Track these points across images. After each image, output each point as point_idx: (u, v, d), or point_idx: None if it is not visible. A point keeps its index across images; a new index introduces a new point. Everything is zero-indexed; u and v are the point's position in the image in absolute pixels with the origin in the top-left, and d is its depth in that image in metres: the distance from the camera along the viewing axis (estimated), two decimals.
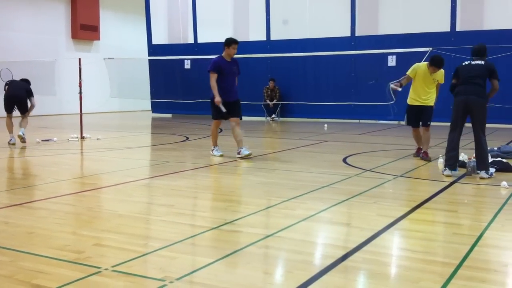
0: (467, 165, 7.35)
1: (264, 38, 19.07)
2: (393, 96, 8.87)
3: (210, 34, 20.50)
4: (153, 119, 20.33)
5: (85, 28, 22.97)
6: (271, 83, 18.64)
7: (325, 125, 15.91)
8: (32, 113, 11.47)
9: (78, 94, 12.12)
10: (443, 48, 10.25)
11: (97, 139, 11.93)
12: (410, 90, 8.77)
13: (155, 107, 22.10)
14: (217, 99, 8.83)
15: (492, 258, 3.91)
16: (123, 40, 24.37)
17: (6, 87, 11.33)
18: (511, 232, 4.66)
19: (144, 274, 3.51)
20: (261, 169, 8.02)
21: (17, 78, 11.68)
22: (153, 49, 21.75)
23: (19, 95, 11.18)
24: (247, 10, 20.38)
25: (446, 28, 16.49)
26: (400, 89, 8.67)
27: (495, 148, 9.01)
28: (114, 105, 22.19)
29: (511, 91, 15.40)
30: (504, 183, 6.51)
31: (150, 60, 21.59)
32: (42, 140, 11.40)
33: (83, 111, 12.48)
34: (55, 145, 10.96)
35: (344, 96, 17.69)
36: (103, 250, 3.99)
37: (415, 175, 7.51)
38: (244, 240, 4.27)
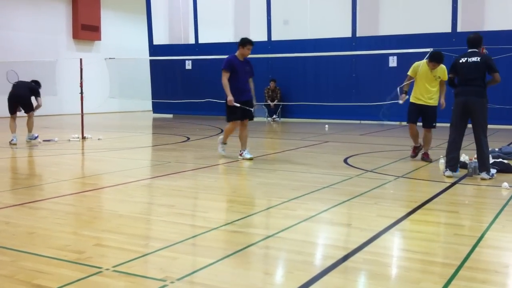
0: (468, 166, 7.34)
1: (265, 39, 19.07)
2: (400, 100, 8.74)
3: (211, 34, 20.53)
4: (154, 120, 20.34)
5: (86, 28, 22.98)
6: (272, 84, 18.65)
7: (326, 125, 15.91)
8: (34, 113, 11.47)
9: (79, 94, 12.12)
10: (444, 48, 10.22)
11: (98, 139, 11.94)
12: (413, 89, 8.66)
13: (156, 108, 22.10)
14: (230, 98, 8.61)
15: (493, 259, 3.91)
16: (124, 40, 24.37)
17: (13, 88, 11.41)
18: None
19: (145, 274, 3.51)
20: (262, 169, 8.02)
21: (17, 79, 11.71)
22: (154, 49, 21.76)
23: (21, 95, 11.23)
24: (248, 10, 20.39)
25: (447, 28, 16.49)
26: (402, 102, 8.62)
27: (496, 149, 9.01)
28: (115, 105, 22.19)
29: (511, 91, 15.44)
30: (505, 184, 6.50)
31: (151, 61, 21.61)
32: (43, 140, 11.41)
33: (84, 111, 12.49)
34: (56, 145, 10.97)
35: (345, 97, 17.69)
36: (104, 250, 3.99)
37: (416, 176, 7.51)
38: (245, 240, 4.27)
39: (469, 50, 7.28)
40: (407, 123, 8.83)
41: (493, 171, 7.20)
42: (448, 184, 6.77)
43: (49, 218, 5.00)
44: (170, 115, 21.35)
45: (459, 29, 16.11)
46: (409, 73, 8.64)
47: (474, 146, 7.31)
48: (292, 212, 5.30)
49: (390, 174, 7.50)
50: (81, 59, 12.42)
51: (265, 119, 18.77)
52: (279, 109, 18.94)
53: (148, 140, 13.58)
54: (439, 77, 8.46)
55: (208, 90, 19.94)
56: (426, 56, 8.57)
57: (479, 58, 7.12)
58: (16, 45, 20.14)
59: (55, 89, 13.10)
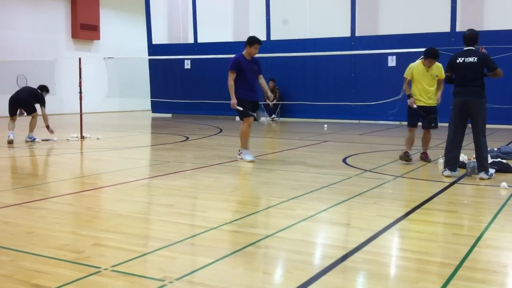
0: (467, 165, 7.35)
1: (264, 38, 19.02)
2: (414, 105, 8.47)
3: (210, 34, 20.53)
4: (153, 119, 20.34)
5: (85, 27, 22.97)
6: (271, 83, 18.63)
7: (325, 125, 15.92)
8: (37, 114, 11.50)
9: (78, 94, 12.13)
10: (443, 48, 10.20)
11: (97, 138, 11.93)
12: (411, 91, 8.41)
13: (155, 107, 22.10)
14: (233, 101, 8.47)
15: (492, 258, 3.91)
16: (123, 40, 24.36)
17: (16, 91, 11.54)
18: (511, 232, 4.66)
19: (144, 274, 3.50)
20: (261, 169, 8.02)
21: (16, 78, 11.82)
22: (153, 48, 21.76)
23: (21, 98, 11.34)
24: (247, 10, 20.39)
25: (446, 28, 16.50)
26: (415, 105, 8.30)
27: (495, 149, 9.01)
28: (114, 104, 22.18)
29: (510, 91, 15.46)
30: (504, 184, 6.50)
31: (150, 60, 21.60)
32: (42, 140, 11.40)
33: (83, 111, 12.49)
34: (55, 145, 10.97)
35: (344, 97, 17.70)
36: (103, 250, 3.99)
37: (415, 176, 7.51)
38: (244, 240, 4.27)
39: (465, 49, 7.21)
40: (408, 126, 8.60)
41: (492, 171, 7.20)
42: (447, 184, 6.77)
43: (48, 217, 5.00)
44: (169, 115, 21.35)
45: (458, 29, 16.11)
46: (405, 75, 8.45)
47: (472, 145, 7.31)
48: (291, 211, 5.30)
49: (389, 173, 7.50)
50: (80, 59, 12.42)
51: (264, 119, 18.77)
52: (278, 109, 18.93)
53: (147, 139, 13.58)
54: (437, 76, 8.28)
55: (207, 89, 19.96)
56: (421, 56, 8.43)
57: (476, 58, 7.06)
58: (15, 44, 20.14)
59: (54, 88, 13.07)
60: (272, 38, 19.20)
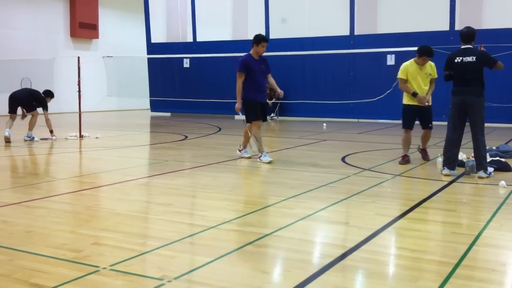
0: (465, 164, 7.35)
1: None
2: (426, 102, 8.18)
3: (209, 32, 20.52)
4: (152, 118, 20.33)
5: (83, 26, 22.96)
6: None
7: (324, 124, 15.92)
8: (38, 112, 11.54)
9: (77, 93, 12.12)
10: (442, 47, 10.21)
11: (96, 137, 11.93)
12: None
13: (154, 106, 22.09)
14: (238, 105, 8.33)
15: (490, 257, 3.92)
16: (122, 39, 24.35)
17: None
18: (509, 231, 4.66)
19: (143, 273, 3.50)
20: (260, 168, 8.02)
21: (16, 77, 11.87)
22: (152, 47, 21.75)
23: (20, 97, 11.38)
24: (246, 8, 20.38)
25: (445, 27, 16.50)
26: (428, 102, 8.16)
27: (494, 148, 9.00)
28: (113, 103, 22.17)
29: (509, 90, 15.48)
30: (502, 182, 6.50)
31: (149, 59, 21.60)
32: (41, 139, 11.40)
33: (82, 110, 12.48)
34: (54, 144, 10.96)
35: (343, 95, 17.70)
36: (102, 249, 3.99)
37: (414, 175, 7.51)
38: (243, 239, 4.27)
39: (463, 47, 7.18)
40: (404, 128, 8.41)
41: (490, 169, 7.20)
42: (445, 183, 6.77)
43: (46, 216, 5.00)
44: (168, 114, 21.35)
45: (457, 27, 16.10)
46: (401, 76, 8.17)
47: (471, 144, 7.31)
48: (290, 210, 5.30)
49: (387, 172, 7.50)
50: (78, 57, 12.41)
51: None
52: (277, 108, 18.93)
53: (146, 138, 13.57)
54: (430, 74, 8.16)
55: (206, 88, 19.96)
56: (416, 53, 8.26)
57: (474, 58, 7.03)
58: (14, 43, 20.13)
59: (53, 87, 13.05)
60: (271, 36, 19.15)
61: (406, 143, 8.39)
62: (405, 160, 8.29)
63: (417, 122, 8.47)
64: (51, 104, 11.72)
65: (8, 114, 11.42)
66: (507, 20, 15.88)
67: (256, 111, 8.38)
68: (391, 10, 17.70)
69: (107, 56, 16.49)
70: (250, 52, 8.49)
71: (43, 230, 4.49)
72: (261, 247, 4.10)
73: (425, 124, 8.38)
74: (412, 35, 16.34)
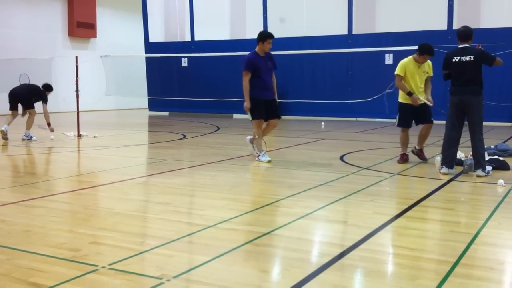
0: (464, 163, 7.36)
1: None
2: (429, 103, 8.07)
3: (207, 32, 20.50)
4: (150, 117, 20.31)
5: (81, 25, 22.93)
6: None
7: (322, 123, 15.91)
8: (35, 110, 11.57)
9: (75, 92, 12.11)
10: (440, 46, 10.21)
11: (94, 137, 11.91)
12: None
13: (152, 105, 22.07)
14: (246, 104, 8.13)
15: (489, 256, 3.92)
16: (120, 38, 24.32)
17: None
18: (508, 230, 4.67)
19: (141, 272, 3.50)
20: (258, 167, 8.02)
21: (15, 76, 11.92)
22: (150, 47, 21.72)
23: (19, 94, 11.40)
24: (244, 8, 20.37)
25: (443, 26, 16.51)
26: (431, 104, 8.02)
27: (492, 146, 9.01)
28: (111, 103, 22.15)
29: (507, 89, 15.49)
30: (500, 181, 6.51)
31: (147, 58, 21.57)
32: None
33: (80, 109, 12.46)
34: (52, 143, 10.95)
35: (341, 94, 17.71)
36: (100, 248, 3.99)
37: (412, 173, 7.52)
38: (241, 238, 4.27)
39: (460, 46, 7.17)
40: (400, 126, 8.32)
41: (488, 168, 7.21)
42: (444, 181, 6.78)
43: (45, 216, 4.99)
44: (166, 113, 21.33)
45: (455, 27, 16.11)
46: (398, 72, 8.07)
47: (469, 143, 7.32)
48: (288, 209, 5.30)
49: (386, 171, 7.51)
50: (76, 57, 12.40)
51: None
52: None
53: (144, 137, 13.56)
54: (427, 73, 8.09)
55: (204, 87, 19.95)
56: (416, 51, 8.20)
57: (472, 57, 7.01)
58: (12, 43, 20.10)
59: (51, 87, 13.08)
60: None
61: (404, 142, 8.34)
62: (403, 159, 8.28)
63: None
64: (49, 103, 11.73)
65: (10, 111, 11.51)
66: (504, 19, 15.89)
67: (260, 110, 8.25)
68: (389, 9, 17.70)
69: (105, 56, 16.49)
70: (256, 49, 8.33)
71: (42, 229, 4.49)
72: (259, 246, 4.10)
73: (427, 119, 8.14)
74: (410, 34, 16.34)
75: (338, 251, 3.93)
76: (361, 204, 5.48)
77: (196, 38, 20.74)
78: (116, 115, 21.60)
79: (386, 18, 17.71)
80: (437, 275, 3.43)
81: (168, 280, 3.31)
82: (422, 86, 8.15)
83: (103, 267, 3.54)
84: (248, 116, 8.29)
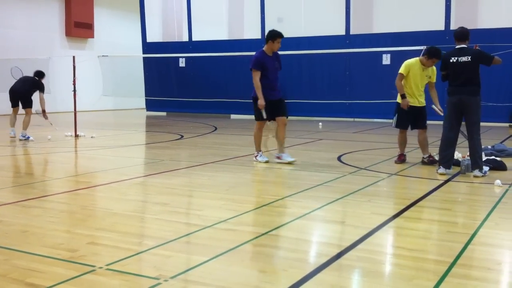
0: (461, 163, 7.37)
1: (259, 37, 19.02)
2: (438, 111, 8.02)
3: (205, 32, 20.50)
4: (148, 117, 20.30)
5: (79, 25, 22.91)
6: None
7: (320, 123, 15.92)
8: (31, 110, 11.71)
9: (72, 92, 12.10)
10: (437, 46, 10.22)
11: (92, 137, 11.90)
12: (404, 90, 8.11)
13: (150, 105, 22.06)
14: (261, 102, 7.98)
15: (486, 256, 3.93)
16: (118, 38, 24.30)
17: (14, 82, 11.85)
18: (505, 230, 4.68)
19: (139, 272, 3.50)
20: (256, 167, 8.02)
21: (12, 76, 11.97)
22: (148, 47, 21.71)
23: (20, 90, 11.56)
24: (242, 8, 20.38)
25: (441, 26, 16.54)
26: (441, 112, 7.81)
27: (489, 147, 9.03)
28: (109, 103, 22.14)
29: (505, 89, 15.52)
30: (498, 181, 6.52)
31: (144, 58, 21.56)
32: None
33: (77, 109, 12.45)
34: (49, 143, 10.93)
35: (339, 95, 17.72)
36: (98, 248, 3.98)
37: (409, 174, 7.52)
38: (239, 238, 4.27)
39: (457, 47, 7.17)
40: (398, 127, 8.25)
41: (486, 168, 7.22)
42: (441, 182, 6.79)
43: (42, 216, 4.99)
44: (164, 113, 21.32)
45: (452, 27, 16.14)
46: (402, 71, 8.01)
47: (467, 143, 7.33)
48: (286, 209, 5.31)
49: (383, 171, 7.51)
50: (73, 57, 12.39)
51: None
52: None
53: (142, 138, 13.55)
54: (429, 77, 8.05)
55: (202, 87, 19.95)
56: (422, 53, 8.19)
57: (469, 58, 7.02)
58: (9, 42, 20.07)
59: (48, 86, 13.05)
60: None
61: (402, 143, 8.32)
62: (401, 159, 8.28)
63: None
64: (46, 103, 11.80)
65: (12, 109, 11.74)
66: (502, 19, 15.93)
67: (265, 111, 8.12)
68: (387, 9, 17.72)
69: (103, 56, 16.48)
70: (264, 48, 8.19)
71: (39, 229, 4.48)
72: (257, 246, 4.10)
73: (421, 124, 8.15)
74: (407, 34, 16.38)
75: (335, 251, 3.93)
76: (358, 205, 5.49)
77: (194, 38, 20.74)
78: (114, 115, 21.58)
79: (383, 18, 17.74)
80: (435, 275, 3.43)
81: (165, 281, 3.31)
82: (422, 89, 8.10)
83: (100, 267, 3.54)
84: (264, 114, 8.11)
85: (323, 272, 3.50)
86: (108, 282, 3.32)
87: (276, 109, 8.22)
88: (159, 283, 3.27)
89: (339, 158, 8.80)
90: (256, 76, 8.03)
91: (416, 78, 8.02)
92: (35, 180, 7.11)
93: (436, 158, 7.77)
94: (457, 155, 7.89)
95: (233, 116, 19.20)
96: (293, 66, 18.73)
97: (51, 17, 22.18)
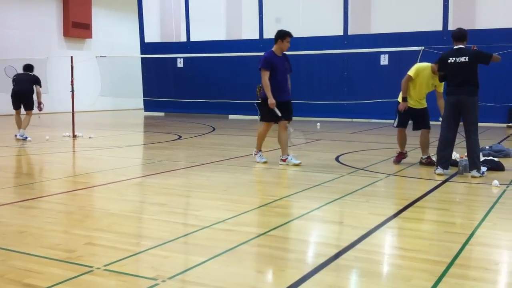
0: (459, 164, 7.37)
1: (257, 37, 19.05)
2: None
3: (203, 32, 20.51)
4: (146, 118, 20.29)
5: (77, 26, 22.89)
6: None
7: (318, 123, 15.93)
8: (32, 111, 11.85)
9: (70, 93, 12.09)
10: (435, 47, 10.22)
11: (90, 137, 11.89)
12: (408, 92, 7.98)
13: (148, 106, 22.05)
14: (271, 101, 7.87)
15: (484, 256, 3.93)
16: (116, 38, 24.28)
17: (14, 83, 11.87)
18: (503, 230, 4.68)
19: (136, 273, 3.50)
20: (254, 167, 8.02)
21: (10, 77, 12.02)
22: (146, 47, 21.70)
23: (24, 91, 11.68)
24: (240, 8, 20.37)
25: (439, 27, 16.55)
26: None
27: (487, 147, 9.04)
28: (107, 103, 22.10)
29: (503, 89, 15.54)
30: (495, 181, 6.53)
31: (142, 58, 21.56)
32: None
33: (75, 110, 12.43)
34: (47, 144, 10.91)
35: (337, 95, 17.72)
36: (95, 249, 3.98)
37: (407, 174, 7.53)
38: (237, 238, 4.26)
39: (455, 47, 7.18)
40: (397, 127, 8.20)
41: (483, 169, 7.23)
42: (439, 182, 6.80)
43: (40, 217, 4.98)
44: (162, 113, 21.31)
45: (450, 28, 16.14)
46: (411, 73, 7.87)
47: (464, 144, 7.34)
48: (284, 210, 5.31)
49: (381, 172, 7.52)
50: (71, 57, 12.37)
51: (256, 117, 18.74)
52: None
53: (140, 138, 13.54)
54: (435, 86, 7.91)
55: (200, 88, 19.94)
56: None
57: (467, 58, 7.02)
58: (7, 43, 20.05)
59: (46, 87, 13.04)
60: (265, 36, 19.14)
61: (402, 141, 8.26)
62: (399, 158, 8.26)
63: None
64: (44, 103, 11.88)
65: (15, 112, 11.84)
66: (500, 20, 15.94)
67: (271, 113, 8.06)
68: (385, 10, 17.73)
69: (101, 56, 16.46)
70: (273, 49, 8.13)
71: (37, 230, 4.48)
72: (255, 246, 4.10)
73: (424, 124, 8.10)
74: (405, 35, 16.38)
75: (333, 251, 3.93)
76: (356, 205, 5.49)
77: (192, 39, 20.73)
78: (112, 115, 21.56)
79: (381, 19, 17.75)
80: (432, 276, 3.43)
81: (163, 281, 3.31)
82: (424, 96, 8.03)
83: (98, 268, 3.54)
84: (277, 112, 8.01)
85: (321, 273, 3.50)
86: (106, 282, 3.32)
87: (283, 111, 8.09)
88: (157, 284, 3.27)
89: (337, 159, 8.80)
90: (265, 76, 7.98)
91: (422, 84, 7.92)
92: (32, 181, 7.10)
93: (434, 159, 7.78)
94: (455, 155, 7.90)
95: (231, 117, 19.20)
96: (291, 66, 18.72)
97: (49, 17, 22.15)
